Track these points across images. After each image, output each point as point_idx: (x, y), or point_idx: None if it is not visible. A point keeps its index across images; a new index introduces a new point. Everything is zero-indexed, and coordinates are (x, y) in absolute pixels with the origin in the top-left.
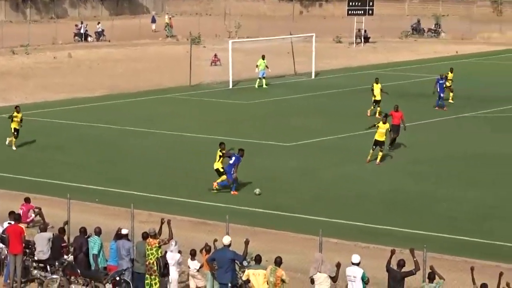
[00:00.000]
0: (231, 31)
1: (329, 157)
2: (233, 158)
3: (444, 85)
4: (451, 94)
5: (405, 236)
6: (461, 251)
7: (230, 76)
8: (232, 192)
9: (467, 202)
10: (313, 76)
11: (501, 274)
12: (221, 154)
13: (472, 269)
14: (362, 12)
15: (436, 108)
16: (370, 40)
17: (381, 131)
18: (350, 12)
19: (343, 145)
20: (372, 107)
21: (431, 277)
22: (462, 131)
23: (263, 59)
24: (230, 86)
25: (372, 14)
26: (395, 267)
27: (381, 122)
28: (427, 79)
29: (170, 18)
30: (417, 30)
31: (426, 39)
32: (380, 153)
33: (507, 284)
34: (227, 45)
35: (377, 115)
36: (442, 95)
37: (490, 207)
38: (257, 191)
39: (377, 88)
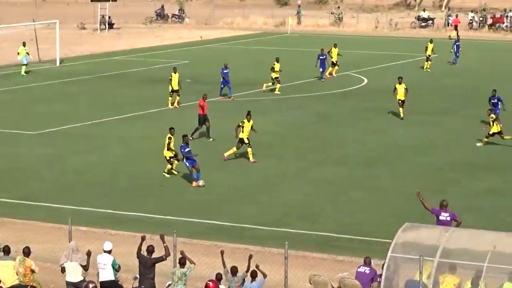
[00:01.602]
0: None
1: (76, 144)
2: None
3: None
4: (336, 68)
5: (155, 222)
6: (210, 235)
7: None
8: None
9: (215, 186)
10: (57, 63)
11: (250, 256)
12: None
13: (222, 252)
14: None
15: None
16: (114, 26)
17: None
18: None
19: (89, 132)
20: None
21: (182, 262)
22: (209, 115)
23: (24, 46)
24: None
25: (116, 0)
26: (145, 253)
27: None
28: (172, 64)
29: None
30: (161, 15)
31: (170, 24)
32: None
33: (257, 266)
34: None
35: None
36: (323, 69)
37: (236, 190)
38: (200, 182)
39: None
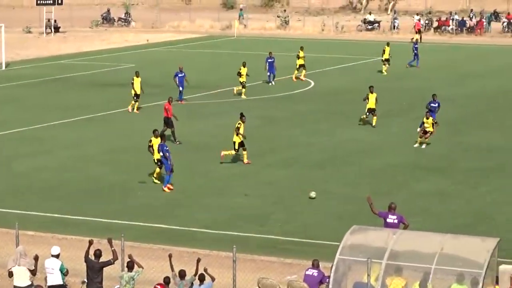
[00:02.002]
0: None
1: (23, 148)
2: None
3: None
4: (304, 71)
5: (103, 226)
6: (158, 239)
7: None
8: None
9: (161, 190)
10: (3, 67)
11: (198, 260)
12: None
13: (170, 256)
14: (52, 1)
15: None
16: (60, 30)
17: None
18: (39, 2)
19: (36, 136)
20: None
21: (130, 265)
22: (157, 119)
23: None
24: None
25: (61, 3)
26: (93, 258)
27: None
28: (119, 68)
29: None
30: (107, 19)
31: (116, 28)
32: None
33: (205, 270)
34: None
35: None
36: (271, 73)
37: (184, 193)
38: (312, 194)
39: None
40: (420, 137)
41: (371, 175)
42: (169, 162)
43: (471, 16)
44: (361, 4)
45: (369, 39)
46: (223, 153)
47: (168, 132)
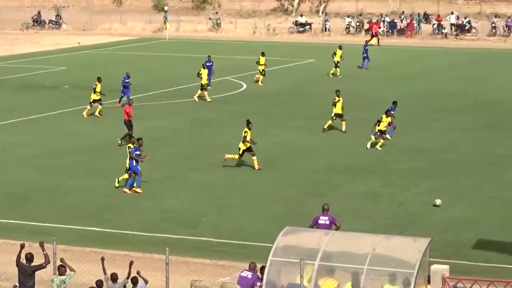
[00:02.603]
0: None
1: None
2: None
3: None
4: (261, 77)
5: (34, 230)
6: (90, 242)
7: None
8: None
9: (93, 193)
10: None
11: (131, 263)
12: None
13: (102, 259)
14: None
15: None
16: None
17: None
18: None
19: None
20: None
21: (62, 270)
22: (89, 122)
23: None
24: None
25: None
26: (24, 261)
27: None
28: (50, 70)
29: None
30: (38, 21)
31: (47, 30)
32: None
33: (138, 272)
34: None
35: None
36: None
37: (116, 196)
38: (438, 202)
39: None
40: (376, 138)
41: (304, 176)
42: (137, 165)
43: (401, 18)
44: (292, 6)
45: (301, 41)
46: (227, 156)
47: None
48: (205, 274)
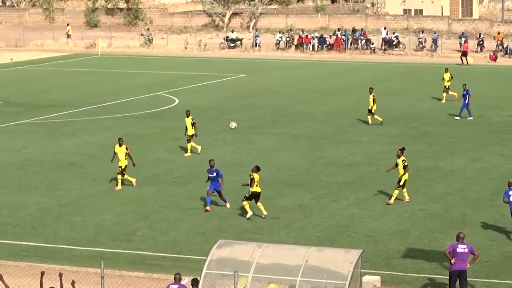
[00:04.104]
0: None
1: None
2: None
3: None
4: None
5: None
6: (25, 257)
7: None
8: None
9: (25, 208)
10: None
11: (60, 275)
12: None
13: (42, 273)
14: None
15: None
16: None
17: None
18: None
19: None
20: None
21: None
22: (21, 138)
23: None
24: None
25: None
26: None
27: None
28: None
29: None
30: None
31: None
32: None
33: (72, 283)
34: None
35: None
36: None
37: (49, 211)
38: (232, 124)
39: None
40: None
41: (234, 191)
42: None
43: (331, 35)
44: (223, 22)
45: (232, 56)
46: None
47: None
48: (140, 287)
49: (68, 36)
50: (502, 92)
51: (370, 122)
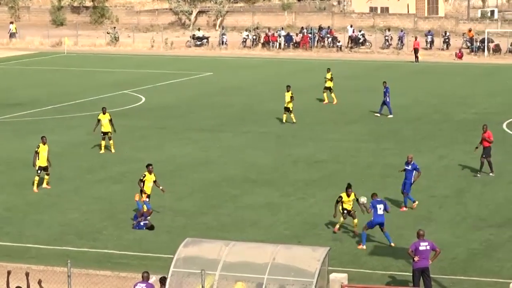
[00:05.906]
0: None
1: None
2: None
3: None
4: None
5: None
6: None
7: None
8: None
9: None
10: None
11: (27, 274)
12: None
13: (8, 272)
14: None
15: None
16: None
17: None
18: None
19: None
20: None
21: None
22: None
23: None
24: None
25: None
26: None
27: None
28: None
29: None
30: None
31: None
32: None
33: (39, 282)
34: None
35: None
36: None
37: (15, 209)
38: (363, 199)
39: None
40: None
41: (201, 189)
42: None
43: (297, 33)
44: (190, 20)
45: (198, 54)
46: None
47: None
48: (107, 286)
49: (12, 35)
50: (468, 90)
51: (284, 120)
